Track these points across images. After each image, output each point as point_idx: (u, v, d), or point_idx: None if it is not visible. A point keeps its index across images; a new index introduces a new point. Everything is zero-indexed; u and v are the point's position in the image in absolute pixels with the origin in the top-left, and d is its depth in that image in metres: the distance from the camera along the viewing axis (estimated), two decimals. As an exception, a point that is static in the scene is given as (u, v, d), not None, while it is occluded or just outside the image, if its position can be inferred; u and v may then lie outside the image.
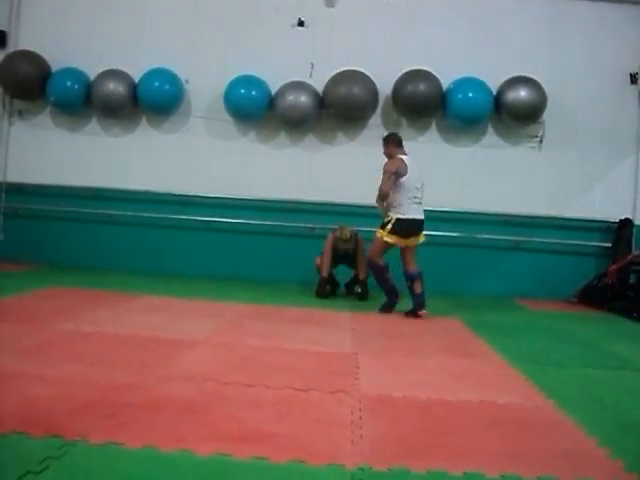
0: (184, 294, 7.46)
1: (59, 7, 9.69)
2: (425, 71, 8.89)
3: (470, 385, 4.38)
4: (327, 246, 7.97)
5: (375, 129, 9.24)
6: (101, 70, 9.26)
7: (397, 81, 8.95)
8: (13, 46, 9.74)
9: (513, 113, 8.87)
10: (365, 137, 9.25)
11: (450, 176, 9.17)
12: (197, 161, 9.34)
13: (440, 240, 9.12)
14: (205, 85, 9.32)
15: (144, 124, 9.59)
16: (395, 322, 6.72)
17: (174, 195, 9.26)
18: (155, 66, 9.19)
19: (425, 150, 9.18)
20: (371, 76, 8.95)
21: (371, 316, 7.00)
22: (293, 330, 5.92)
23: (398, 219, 6.93)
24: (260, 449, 2.93)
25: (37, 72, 9.40)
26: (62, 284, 7.74)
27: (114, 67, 9.27)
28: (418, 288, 7.09)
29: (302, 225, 9.14)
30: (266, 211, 9.14)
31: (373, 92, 8.94)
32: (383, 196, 6.92)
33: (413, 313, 7.05)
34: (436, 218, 9.08)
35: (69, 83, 9.31)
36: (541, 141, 9.26)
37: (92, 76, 9.34)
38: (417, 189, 7.03)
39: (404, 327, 6.45)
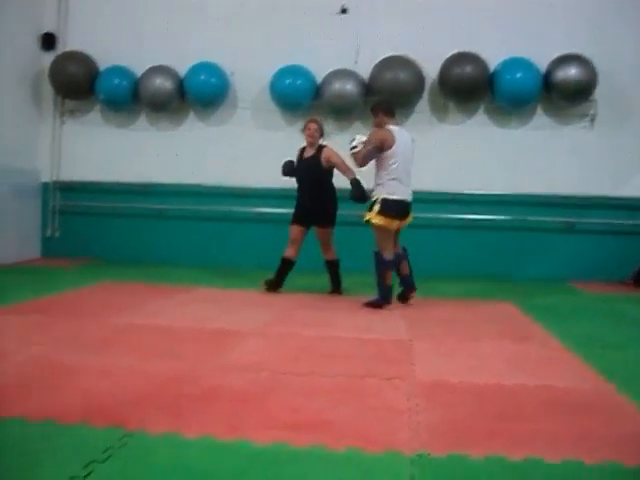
0: (235, 285, 7.52)
1: (105, 7, 9.82)
2: (471, 53, 8.75)
3: (527, 369, 4.31)
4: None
5: (422, 114, 9.17)
6: (148, 66, 9.37)
7: (443, 65, 8.82)
8: (62, 47, 9.92)
9: (563, 92, 8.67)
10: (412, 122, 9.14)
11: (500, 159, 9.04)
12: (245, 152, 9.36)
13: (492, 224, 9.03)
14: (250, 77, 9.34)
15: (192, 118, 9.68)
16: (448, 307, 6.64)
17: (223, 187, 9.30)
18: (200, 60, 9.25)
19: (474, 134, 9.11)
20: (416, 61, 8.85)
21: (423, 302, 6.92)
22: (346, 318, 5.92)
23: (385, 199, 6.29)
24: (317, 437, 2.94)
25: (86, 72, 9.56)
26: (116, 279, 7.87)
27: (160, 63, 9.36)
28: (405, 269, 6.67)
29: (353, 213, 9.11)
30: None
31: (419, 77, 8.84)
32: (358, 164, 6.46)
33: (404, 297, 6.72)
34: (487, 202, 9.01)
35: (117, 81, 9.44)
36: (593, 120, 9.03)
37: (139, 73, 9.45)
38: (405, 166, 6.39)
39: (458, 312, 6.37)
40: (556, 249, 9.09)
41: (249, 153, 9.35)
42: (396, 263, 6.61)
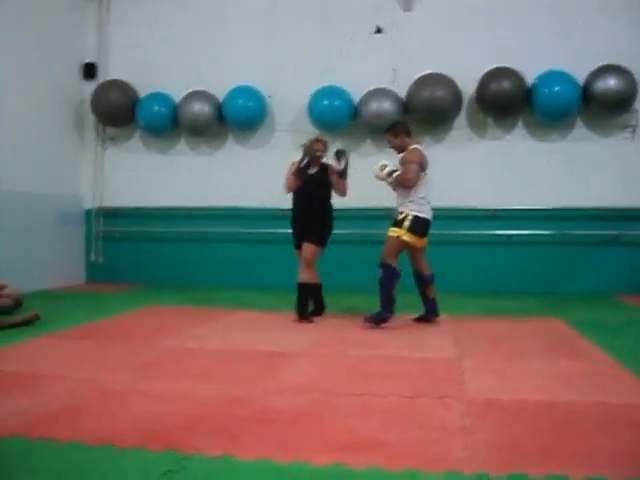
0: (281, 307, 7.52)
1: (143, 36, 10.02)
2: (508, 68, 8.73)
3: (580, 386, 4.24)
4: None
5: (461, 131, 9.17)
6: (186, 92, 9.52)
7: (480, 80, 8.82)
8: (102, 76, 10.15)
9: (603, 104, 8.59)
10: (451, 139, 9.17)
11: (540, 173, 8.97)
12: (284, 175, 9.37)
13: (534, 239, 8.96)
14: (288, 99, 9.44)
15: (231, 141, 9.80)
16: (494, 324, 6.58)
17: (264, 209, 9.34)
18: (238, 84, 9.36)
19: (513, 149, 9.07)
20: (453, 77, 8.86)
21: (468, 319, 6.88)
22: (393, 337, 5.90)
23: (416, 217, 6.26)
24: (374, 458, 2.92)
25: (126, 99, 9.75)
26: (161, 302, 7.96)
27: (199, 88, 9.50)
28: (431, 293, 6.59)
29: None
30: (356, 219, 9.12)
31: (456, 94, 8.85)
32: (407, 186, 6.27)
33: (425, 319, 6.61)
34: (529, 217, 8.94)
35: (156, 107, 9.61)
36: (634, 131, 8.92)
37: (178, 98, 9.61)
38: (430, 185, 6.44)
39: (505, 329, 6.31)
40: (601, 262, 8.97)
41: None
42: (425, 283, 6.56)
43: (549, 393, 4.04)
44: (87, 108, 10.09)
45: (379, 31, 9.37)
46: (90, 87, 10.08)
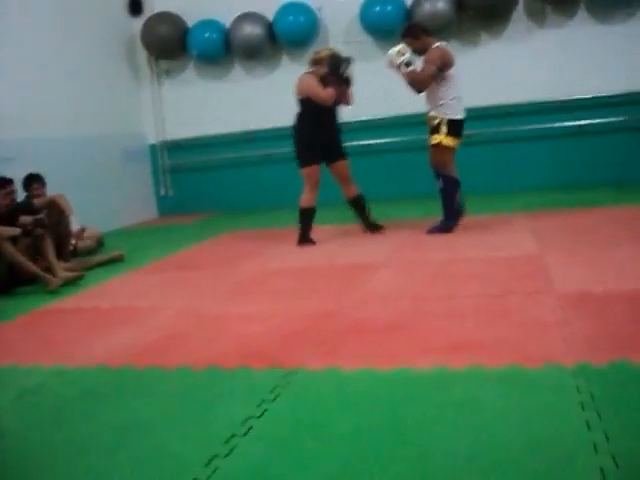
0: (350, 221, 7.50)
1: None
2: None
3: (673, 270, 4.17)
4: None
5: (519, 23, 8.80)
6: (235, 16, 9.38)
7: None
8: (149, 11, 10.05)
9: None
10: (510, 33, 8.82)
11: (609, 57, 8.50)
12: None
13: (608, 127, 8.62)
14: (338, 9, 9.19)
15: (285, 61, 9.65)
16: (573, 217, 6.45)
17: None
18: (286, 1, 9.17)
19: (577, 36, 8.66)
20: (509, -33, 8.46)
21: (546, 213, 6.77)
22: (469, 239, 5.87)
23: (451, 120, 5.99)
24: (474, 357, 2.97)
25: (176, 30, 9.67)
26: (235, 228, 8.07)
27: (247, 10, 9.34)
28: (458, 197, 6.25)
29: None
30: (415, 125, 8.95)
31: (512, -17, 8.46)
32: (418, 88, 6.00)
33: (446, 229, 6.23)
34: (601, 104, 8.59)
35: (207, 34, 9.51)
36: None
37: (228, 23, 9.48)
38: (460, 84, 6.09)
39: (584, 221, 6.20)
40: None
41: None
42: (456, 185, 6.29)
43: (642, 280, 3.98)
44: (138, 44, 10.06)
45: None
46: (138, 23, 10.02)
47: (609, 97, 8.52)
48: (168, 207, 10.47)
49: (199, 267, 5.94)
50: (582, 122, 8.65)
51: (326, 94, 6.13)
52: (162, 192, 10.48)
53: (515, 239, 5.67)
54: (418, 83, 5.99)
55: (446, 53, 6.02)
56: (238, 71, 9.87)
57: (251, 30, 9.20)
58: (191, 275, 5.58)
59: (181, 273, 5.73)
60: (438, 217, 6.29)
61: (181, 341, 3.69)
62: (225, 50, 9.53)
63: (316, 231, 6.49)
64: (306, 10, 9.13)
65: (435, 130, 6.08)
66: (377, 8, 8.70)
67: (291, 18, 9.09)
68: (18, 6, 7.90)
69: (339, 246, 6.17)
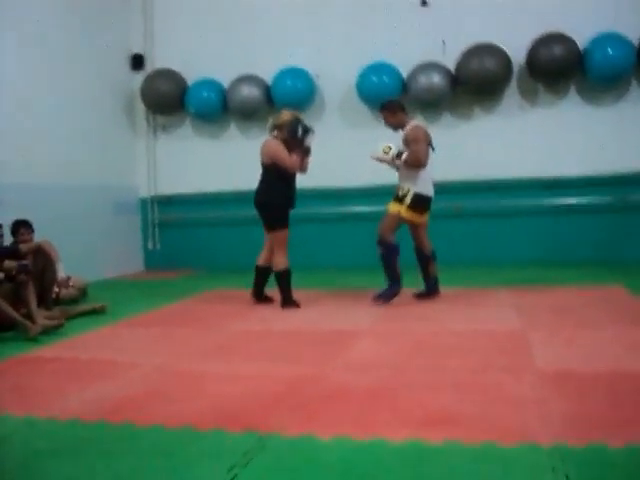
0: (336, 285, 7.56)
1: (189, 25, 10.10)
2: (559, 33, 8.53)
3: (652, 354, 4.19)
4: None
5: (512, 99, 9.03)
6: (234, 77, 9.56)
7: (530, 47, 8.65)
8: (150, 66, 10.25)
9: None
10: (503, 109, 9.04)
11: (596, 139, 8.75)
12: (335, 153, 9.28)
13: (592, 207, 8.77)
14: (336, 78, 9.41)
15: (281, 124, 9.80)
16: (557, 294, 6.51)
17: (317, 189, 9.28)
18: (285, 66, 9.36)
19: (566, 116, 8.90)
20: (503, 46, 8.70)
21: (531, 289, 6.82)
22: (454, 310, 5.90)
23: (418, 195, 6.14)
24: (451, 432, 2.94)
25: (175, 87, 9.85)
26: (221, 287, 8.06)
27: (246, 72, 9.53)
28: (433, 270, 6.46)
29: (446, 205, 9.05)
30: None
31: (506, 62, 8.69)
32: (419, 166, 6.11)
33: (426, 296, 6.48)
34: (586, 184, 8.74)
35: (205, 93, 9.69)
36: (694, 90, 8.66)
37: (226, 84, 9.66)
38: (432, 161, 6.26)
39: (568, 299, 6.24)
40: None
41: (339, 154, 9.29)
42: (427, 261, 6.44)
43: (621, 362, 4.00)
44: (137, 98, 10.23)
45: (424, 3, 9.24)
46: (139, 77, 10.20)
47: (597, 177, 8.68)
48: (155, 261, 10.47)
49: (182, 324, 5.91)
50: (569, 200, 8.80)
51: (292, 162, 6.20)
52: (150, 246, 10.49)
53: (498, 314, 5.69)
54: (418, 163, 6.13)
55: (425, 131, 6.24)
56: (233, 131, 10.02)
57: (249, 92, 9.37)
58: (173, 331, 5.54)
59: (163, 329, 5.69)
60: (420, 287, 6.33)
61: (158, 398, 3.64)
62: (222, 109, 9.69)
63: (307, 296, 6.54)
64: (304, 75, 9.32)
65: (399, 200, 6.21)
66: (374, 78, 8.89)
67: (289, 82, 9.28)
68: (18, 50, 8.01)
69: (322, 311, 6.17)
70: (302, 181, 9.18)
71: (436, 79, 8.70)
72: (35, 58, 8.24)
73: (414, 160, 6.12)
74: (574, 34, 8.48)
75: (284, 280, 6.36)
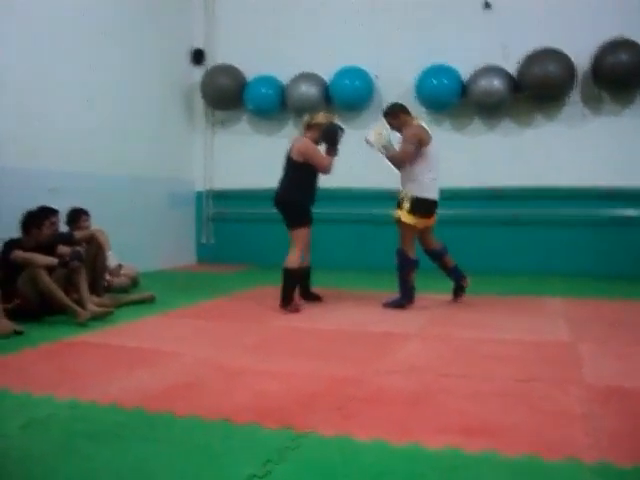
0: (384, 287, 7.45)
1: (249, 20, 10.15)
2: (626, 39, 8.29)
3: None
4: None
5: (574, 106, 8.83)
6: (293, 74, 9.57)
7: (595, 53, 8.43)
8: (211, 62, 10.34)
9: None
10: (565, 116, 8.83)
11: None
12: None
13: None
14: (395, 79, 9.31)
15: (338, 122, 9.73)
16: (610, 308, 6.34)
17: (371, 190, 9.25)
18: (345, 65, 9.33)
19: (631, 125, 8.64)
20: (567, 51, 8.49)
21: (583, 301, 6.65)
22: (504, 319, 5.78)
23: (416, 198, 6.05)
24: (491, 442, 2.86)
25: (234, 83, 9.91)
26: (271, 283, 8.02)
27: (305, 70, 9.53)
28: (450, 262, 6.42)
29: (505, 212, 8.92)
30: (465, 200, 8.96)
31: (570, 68, 8.48)
32: (399, 163, 6.11)
33: (459, 289, 6.48)
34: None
35: (264, 90, 9.72)
36: None
37: (285, 81, 9.68)
38: (437, 164, 6.15)
39: (623, 312, 6.08)
40: None
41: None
42: (440, 257, 6.42)
43: (676, 382, 3.84)
44: (197, 93, 10.33)
45: (488, 5, 9.10)
46: (199, 72, 10.30)
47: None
48: (207, 255, 10.55)
49: (228, 317, 5.94)
50: (628, 212, 8.54)
51: (328, 163, 6.12)
52: (203, 239, 10.58)
53: (549, 324, 5.56)
54: (398, 161, 6.12)
55: (421, 131, 6.11)
56: (290, 128, 10.01)
57: (307, 89, 9.37)
58: (218, 325, 5.57)
59: (209, 322, 5.72)
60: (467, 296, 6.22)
61: (196, 390, 3.65)
62: (280, 106, 9.71)
63: (356, 296, 6.54)
64: (363, 75, 9.28)
65: (398, 205, 6.15)
66: (433, 80, 8.79)
67: (347, 82, 9.25)
68: (83, 45, 8.16)
69: (377, 313, 6.10)
70: (357, 182, 9.24)
71: (496, 83, 8.55)
72: (99, 51, 8.37)
73: (393, 158, 6.11)
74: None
75: (290, 279, 6.23)
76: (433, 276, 6.80)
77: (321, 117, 6.32)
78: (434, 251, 6.44)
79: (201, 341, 4.91)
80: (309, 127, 6.30)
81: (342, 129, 6.26)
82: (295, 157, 6.22)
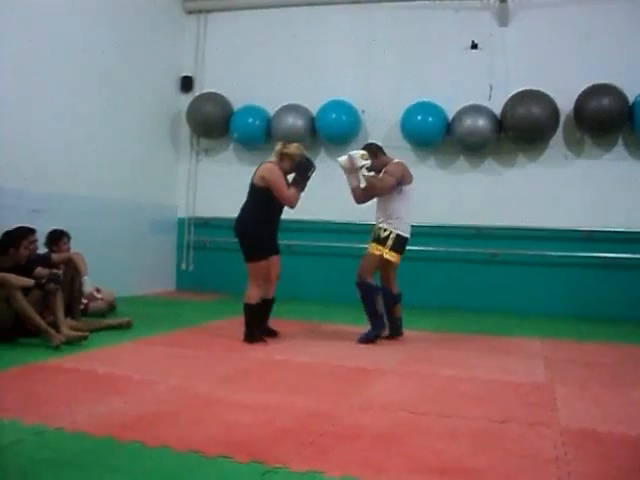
0: (363, 322, 7.44)
1: (239, 50, 10.24)
2: (608, 85, 8.44)
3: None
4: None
5: (557, 149, 8.93)
6: (280, 105, 9.62)
7: (579, 98, 8.56)
8: (199, 89, 10.38)
9: None
10: (547, 158, 8.94)
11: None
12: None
13: (631, 262, 8.57)
14: (381, 114, 9.41)
15: (323, 155, 9.81)
16: (588, 350, 6.35)
17: (349, 224, 9.27)
18: (332, 98, 9.40)
19: (612, 169, 8.76)
20: (550, 94, 8.63)
21: (561, 343, 6.67)
22: (482, 358, 5.76)
23: (399, 236, 6.09)
24: (463, 483, 2.83)
25: (221, 112, 9.95)
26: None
27: (292, 102, 9.58)
28: (398, 312, 6.43)
29: (485, 251, 8.95)
30: (446, 237, 9.02)
31: (553, 111, 8.62)
32: (373, 193, 6.15)
33: (392, 337, 6.43)
34: (629, 239, 8.55)
35: (250, 120, 9.77)
36: None
37: (272, 112, 9.72)
38: (414, 205, 6.26)
39: (600, 355, 6.08)
40: None
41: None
42: (393, 302, 6.39)
43: (650, 426, 3.83)
44: (183, 120, 10.35)
45: (475, 46, 9.23)
46: (186, 99, 10.33)
47: (637, 233, 8.48)
48: (187, 282, 10.49)
49: (204, 347, 5.86)
50: (607, 255, 8.60)
51: (290, 195, 5.94)
52: (183, 266, 10.52)
53: (525, 364, 5.54)
54: (377, 189, 6.12)
55: (406, 169, 6.16)
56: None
57: (294, 121, 9.41)
58: (194, 354, 5.51)
59: (185, 350, 5.65)
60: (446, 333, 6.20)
61: (168, 420, 3.59)
62: (266, 137, 9.74)
63: (334, 329, 6.58)
64: (349, 109, 9.35)
65: (381, 241, 6.11)
66: (419, 117, 8.87)
67: (334, 115, 9.30)
68: (68, 65, 8.16)
69: (354, 348, 6.07)
70: (337, 216, 9.24)
71: (481, 122, 8.65)
72: (85, 73, 8.38)
73: (373, 184, 6.09)
74: (624, 87, 8.37)
75: (251, 314, 6.09)
76: (413, 312, 6.80)
77: (294, 148, 6.18)
78: (392, 294, 6.38)
79: (175, 370, 4.84)
80: (281, 156, 6.15)
81: (314, 166, 6.18)
82: (256, 181, 6.03)
